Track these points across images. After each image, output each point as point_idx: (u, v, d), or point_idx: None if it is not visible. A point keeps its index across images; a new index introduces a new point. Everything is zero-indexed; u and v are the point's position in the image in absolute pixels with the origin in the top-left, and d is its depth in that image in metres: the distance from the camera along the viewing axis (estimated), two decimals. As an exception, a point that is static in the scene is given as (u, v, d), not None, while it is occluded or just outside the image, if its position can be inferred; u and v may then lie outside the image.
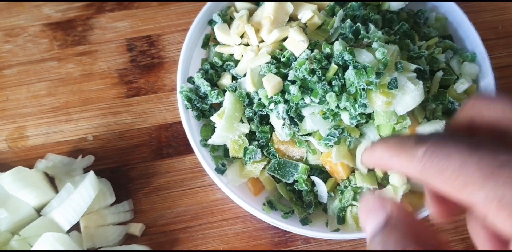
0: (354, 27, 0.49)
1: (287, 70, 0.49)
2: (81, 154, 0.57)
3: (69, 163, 0.56)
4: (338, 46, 0.47)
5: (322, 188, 0.51)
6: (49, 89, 0.61)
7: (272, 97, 0.49)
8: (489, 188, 0.21)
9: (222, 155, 0.54)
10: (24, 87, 0.61)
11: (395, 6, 0.55)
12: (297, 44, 0.50)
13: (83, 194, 0.51)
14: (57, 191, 0.55)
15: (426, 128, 0.48)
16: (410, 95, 0.43)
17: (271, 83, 0.48)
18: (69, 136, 0.59)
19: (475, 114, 0.27)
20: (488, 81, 0.54)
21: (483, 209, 0.22)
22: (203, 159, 0.51)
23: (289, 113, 0.48)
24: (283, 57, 0.50)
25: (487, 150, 0.22)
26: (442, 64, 0.52)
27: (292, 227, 0.50)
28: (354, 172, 0.51)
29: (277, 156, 0.51)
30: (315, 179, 0.51)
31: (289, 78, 0.48)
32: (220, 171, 0.52)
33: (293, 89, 0.46)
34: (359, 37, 0.49)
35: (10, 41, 0.63)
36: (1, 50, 0.62)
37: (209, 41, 0.57)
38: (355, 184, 0.50)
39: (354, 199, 0.50)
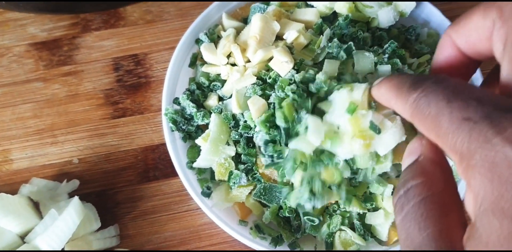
0: (343, 47, 0.48)
1: (273, 91, 0.48)
2: (66, 178, 0.56)
3: (54, 187, 0.55)
4: (320, 76, 0.44)
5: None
6: (34, 111, 0.60)
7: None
8: (453, 141, 0.23)
9: (208, 178, 0.53)
10: (9, 109, 0.60)
11: (384, 23, 0.53)
12: (281, 65, 0.48)
13: (67, 221, 0.50)
14: (41, 217, 0.54)
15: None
16: (389, 133, 0.37)
17: (256, 105, 0.47)
18: (55, 159, 0.58)
19: (459, 44, 0.31)
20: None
21: (453, 157, 0.24)
22: (188, 182, 0.50)
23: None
24: (269, 78, 0.49)
25: (461, 102, 0.23)
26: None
27: (279, 254, 0.49)
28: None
29: (262, 181, 0.49)
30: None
31: (269, 101, 0.47)
32: (206, 194, 0.51)
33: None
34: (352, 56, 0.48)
35: (-5, 62, 0.62)
36: (-14, 71, 0.62)
37: (196, 60, 0.56)
38: (344, 208, 0.49)
39: (343, 223, 0.49)
